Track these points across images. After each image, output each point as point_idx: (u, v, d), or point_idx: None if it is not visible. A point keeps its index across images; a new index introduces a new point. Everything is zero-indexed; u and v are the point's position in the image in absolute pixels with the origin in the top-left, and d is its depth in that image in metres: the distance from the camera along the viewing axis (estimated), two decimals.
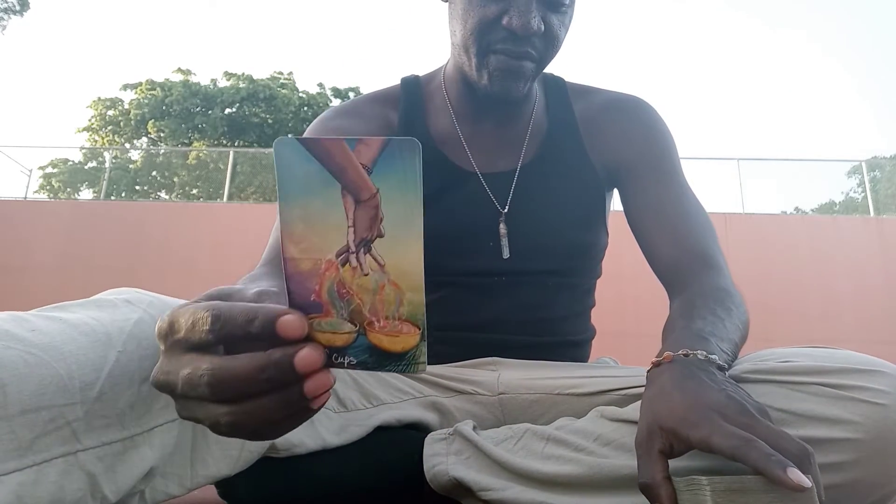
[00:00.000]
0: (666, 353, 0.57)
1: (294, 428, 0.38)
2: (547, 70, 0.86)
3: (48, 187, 16.72)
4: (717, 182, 10.10)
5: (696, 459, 0.55)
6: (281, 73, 19.11)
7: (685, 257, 0.79)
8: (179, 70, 18.87)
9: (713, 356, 0.55)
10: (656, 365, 0.57)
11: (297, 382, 0.34)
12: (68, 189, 16.41)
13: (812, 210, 12.84)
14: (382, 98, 0.93)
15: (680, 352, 0.56)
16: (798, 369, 0.56)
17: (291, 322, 0.33)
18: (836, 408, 0.53)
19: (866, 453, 0.51)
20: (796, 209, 12.27)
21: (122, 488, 0.47)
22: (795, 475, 0.41)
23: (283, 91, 18.24)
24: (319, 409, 0.37)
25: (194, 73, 19.00)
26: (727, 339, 0.61)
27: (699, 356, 0.55)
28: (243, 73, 18.69)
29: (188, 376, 0.35)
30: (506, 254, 0.84)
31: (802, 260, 8.13)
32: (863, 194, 10.95)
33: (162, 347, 0.38)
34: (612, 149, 0.89)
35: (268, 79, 18.64)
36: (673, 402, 0.50)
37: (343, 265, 0.34)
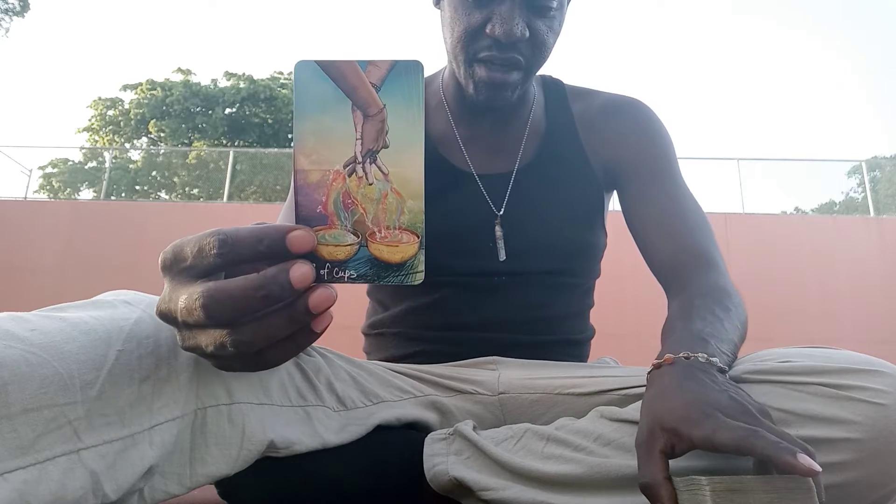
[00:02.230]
0: (667, 356, 0.57)
1: (297, 353, 0.39)
2: (546, 72, 0.86)
3: (48, 187, 16.72)
4: (717, 182, 10.10)
5: (695, 459, 0.55)
6: (281, 73, 19.11)
7: (683, 256, 0.79)
8: (179, 70, 18.88)
9: (714, 358, 0.56)
10: (657, 367, 0.57)
11: (297, 298, 0.35)
12: (68, 189, 16.42)
13: (812, 210, 12.85)
14: None
15: (681, 354, 0.56)
16: (798, 369, 0.56)
17: (301, 236, 0.35)
18: (835, 408, 0.53)
19: (866, 453, 0.51)
20: (796, 209, 12.28)
21: (123, 486, 0.47)
22: (806, 460, 0.41)
23: (284, 91, 18.24)
24: (322, 332, 0.38)
25: (194, 73, 19.02)
26: (727, 340, 0.62)
27: (700, 358, 0.55)
28: (243, 73, 18.70)
29: (185, 301, 0.36)
30: (502, 256, 0.84)
31: (802, 260, 8.13)
32: (863, 194, 10.96)
33: (166, 279, 0.38)
34: (611, 150, 0.89)
35: (268, 79, 18.64)
36: (674, 402, 0.50)
37: (350, 175, 0.37)
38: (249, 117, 17.89)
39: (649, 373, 0.58)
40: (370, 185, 0.37)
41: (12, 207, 9.26)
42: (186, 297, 0.36)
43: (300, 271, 0.35)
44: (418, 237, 0.38)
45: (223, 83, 18.77)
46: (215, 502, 0.67)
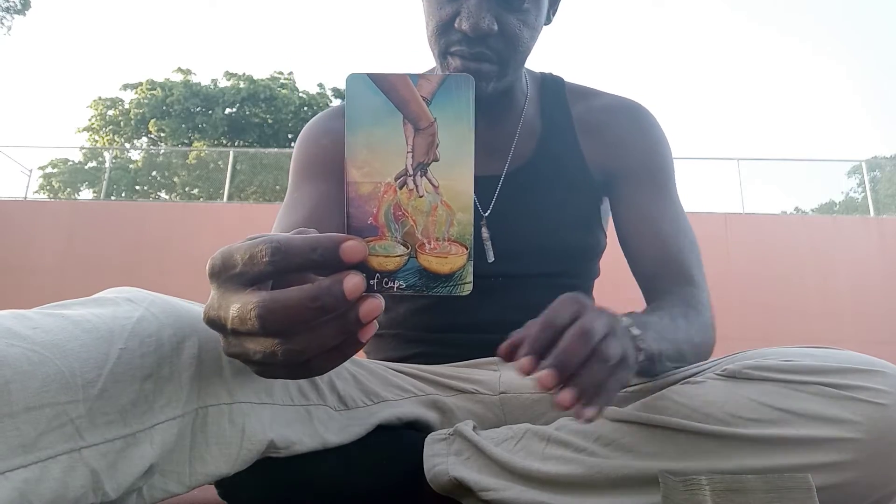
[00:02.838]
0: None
1: (342, 362, 0.40)
2: (548, 70, 0.86)
3: (48, 187, 16.72)
4: (717, 182, 10.11)
5: (694, 459, 0.55)
6: (281, 73, 19.11)
7: (666, 272, 0.81)
8: (180, 70, 18.87)
9: (635, 329, 0.56)
10: None
11: (349, 309, 0.36)
12: (68, 189, 16.42)
13: (812, 210, 12.85)
14: None
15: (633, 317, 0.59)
16: (799, 368, 0.56)
17: (354, 246, 0.35)
18: (836, 407, 0.53)
19: (866, 453, 0.51)
20: (796, 209, 12.28)
21: (123, 485, 0.47)
22: (520, 364, 0.47)
23: (284, 91, 18.24)
24: (367, 341, 0.39)
25: (195, 73, 19.00)
26: (666, 338, 0.63)
27: (634, 330, 0.57)
28: (243, 74, 18.69)
29: (238, 311, 0.36)
30: (490, 257, 0.84)
31: (802, 260, 8.13)
32: (863, 194, 10.96)
33: (213, 285, 0.38)
34: (610, 153, 0.89)
35: (268, 79, 18.63)
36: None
37: (401, 188, 0.38)
38: (249, 117, 17.89)
39: None
40: (420, 197, 0.38)
41: (12, 207, 9.26)
42: (240, 307, 0.36)
43: (353, 282, 0.35)
44: (467, 249, 0.38)
45: (223, 83, 18.77)
46: (215, 502, 0.67)
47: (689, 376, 0.65)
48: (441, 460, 0.64)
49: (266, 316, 0.35)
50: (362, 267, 0.36)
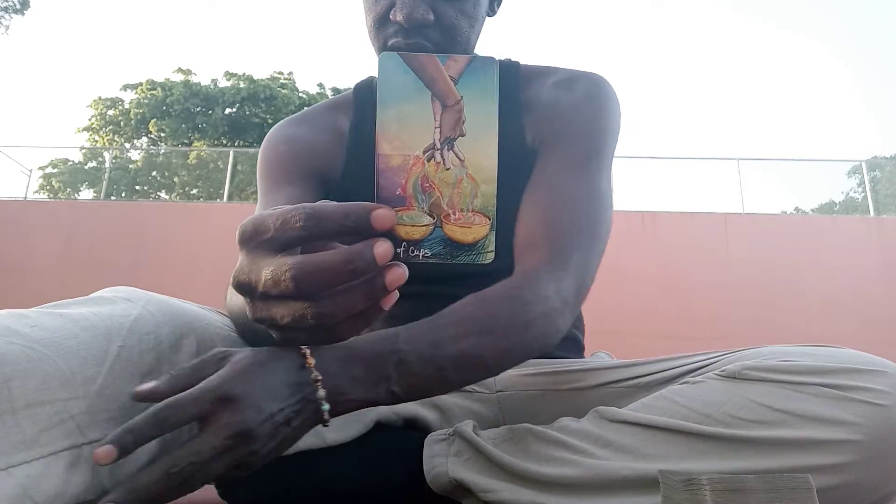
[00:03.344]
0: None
1: (365, 328, 0.41)
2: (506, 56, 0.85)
3: (48, 187, 16.73)
4: (717, 182, 10.11)
5: (694, 461, 0.55)
6: (281, 73, 19.11)
7: (539, 240, 0.68)
8: (180, 70, 18.88)
9: (315, 372, 0.45)
10: None
11: (376, 274, 0.37)
12: (68, 189, 16.43)
13: (812, 210, 12.85)
14: (335, 105, 0.93)
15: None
16: (799, 369, 0.56)
17: (384, 214, 0.36)
18: (836, 409, 0.53)
19: (866, 455, 0.51)
20: (796, 209, 12.28)
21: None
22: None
23: (284, 91, 18.25)
24: (387, 310, 0.40)
25: (195, 73, 19.01)
26: (421, 354, 0.50)
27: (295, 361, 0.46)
28: (243, 74, 18.69)
29: (272, 273, 0.37)
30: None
31: (802, 260, 8.13)
32: (863, 194, 10.97)
33: (243, 250, 0.39)
34: (544, 121, 0.81)
35: (268, 79, 18.64)
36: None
37: (428, 161, 0.39)
38: (249, 117, 17.89)
39: None
40: (447, 170, 0.40)
41: (12, 207, 9.27)
42: (274, 269, 0.37)
43: (383, 248, 0.36)
44: (489, 219, 0.40)
45: (223, 83, 18.77)
46: (215, 502, 0.67)
47: (687, 373, 0.65)
48: (441, 461, 0.64)
49: (301, 277, 0.36)
50: (390, 235, 0.38)
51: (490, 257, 0.41)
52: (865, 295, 7.92)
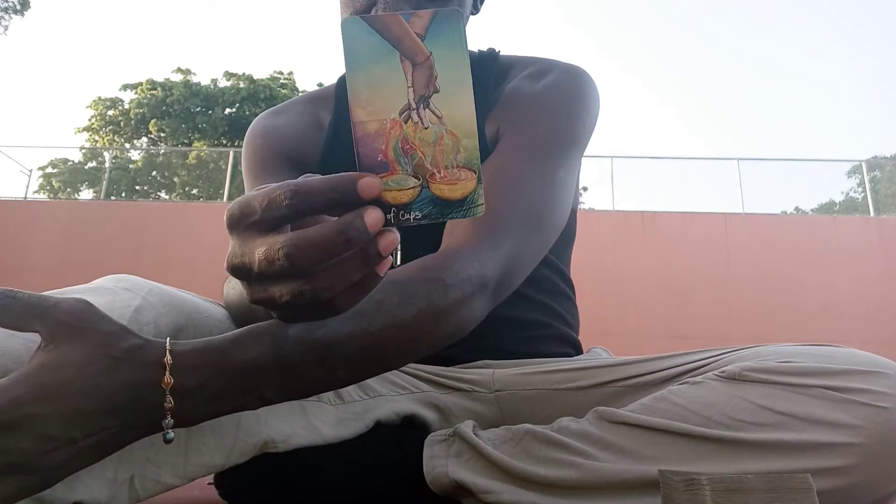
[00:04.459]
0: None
1: (363, 297, 0.40)
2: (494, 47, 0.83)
3: (48, 187, 16.72)
4: (717, 182, 10.09)
5: (694, 463, 0.55)
6: (281, 73, 19.11)
7: (471, 221, 0.61)
8: (179, 70, 18.87)
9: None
10: None
11: (369, 243, 0.37)
12: (68, 189, 16.42)
13: (812, 210, 12.84)
14: (315, 98, 0.93)
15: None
16: (799, 370, 0.56)
17: (370, 182, 0.36)
18: (837, 411, 0.52)
19: (867, 457, 0.51)
20: (796, 209, 12.28)
21: (108, 472, 0.47)
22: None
23: (284, 91, 18.24)
24: (383, 276, 0.40)
25: (194, 73, 19.01)
26: (311, 356, 0.45)
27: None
28: (243, 73, 18.69)
29: (265, 253, 0.36)
30: (397, 261, 0.78)
31: (802, 260, 8.13)
32: (863, 194, 10.96)
33: (233, 234, 0.39)
34: (507, 109, 0.76)
35: (268, 79, 18.64)
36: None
37: (406, 122, 0.39)
38: (249, 117, 17.87)
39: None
40: (426, 129, 0.39)
41: (12, 207, 9.26)
42: (266, 249, 0.36)
43: (373, 216, 0.36)
44: (475, 173, 0.40)
45: (223, 83, 18.77)
46: (215, 502, 0.67)
47: (687, 373, 0.65)
48: (441, 462, 0.64)
49: (294, 254, 0.36)
50: (378, 202, 0.37)
51: (481, 210, 0.40)
52: (865, 295, 7.92)
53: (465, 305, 0.53)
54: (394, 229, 0.39)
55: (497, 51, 0.88)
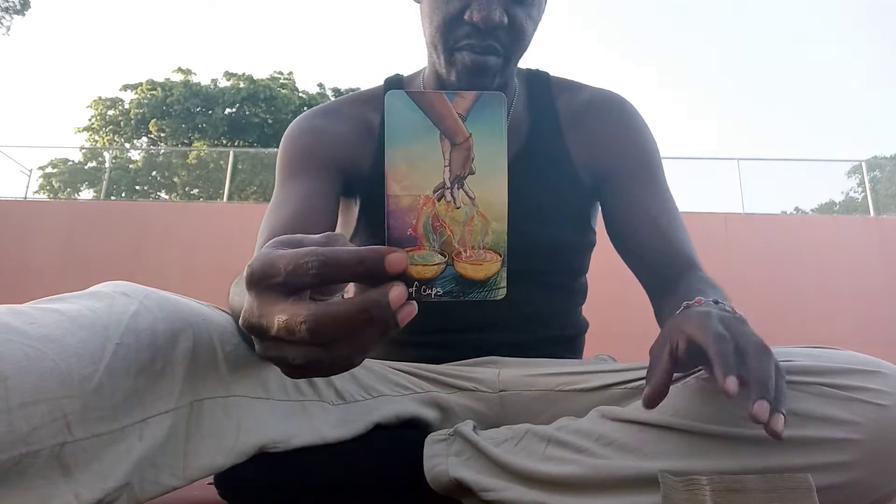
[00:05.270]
0: (697, 298, 0.62)
1: (374, 349, 0.41)
2: (534, 66, 0.85)
3: (48, 187, 16.72)
4: (717, 182, 10.09)
5: (695, 459, 0.55)
6: (281, 73, 19.11)
7: (677, 261, 0.81)
8: (180, 70, 18.87)
9: (739, 314, 0.59)
10: (687, 307, 0.62)
11: (391, 316, 0.37)
12: (68, 189, 16.42)
13: (812, 210, 12.84)
14: (364, 98, 0.93)
15: (710, 299, 0.61)
16: (799, 369, 0.56)
17: (397, 258, 0.36)
18: (836, 408, 0.53)
19: (867, 454, 0.51)
20: (796, 209, 12.28)
21: (99, 477, 0.47)
22: (730, 384, 0.46)
23: (284, 91, 18.25)
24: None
25: (195, 73, 19.01)
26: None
27: (727, 307, 0.60)
28: (243, 73, 18.69)
29: (286, 322, 0.36)
30: None
31: (802, 260, 8.13)
32: (863, 194, 10.96)
33: (252, 292, 0.38)
34: (598, 149, 0.89)
35: (268, 79, 18.63)
36: (694, 318, 0.56)
37: (439, 200, 0.39)
38: (249, 117, 17.89)
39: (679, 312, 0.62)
40: (458, 208, 0.40)
41: (12, 207, 9.26)
42: (288, 319, 0.36)
43: (397, 293, 0.36)
44: (501, 256, 0.40)
45: (223, 83, 18.77)
46: (215, 502, 0.67)
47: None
48: (441, 461, 0.64)
49: (316, 329, 0.36)
50: (402, 275, 0.37)
51: (502, 293, 0.41)
52: (865, 295, 7.92)
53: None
54: (413, 303, 0.38)
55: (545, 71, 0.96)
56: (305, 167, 0.85)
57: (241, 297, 0.59)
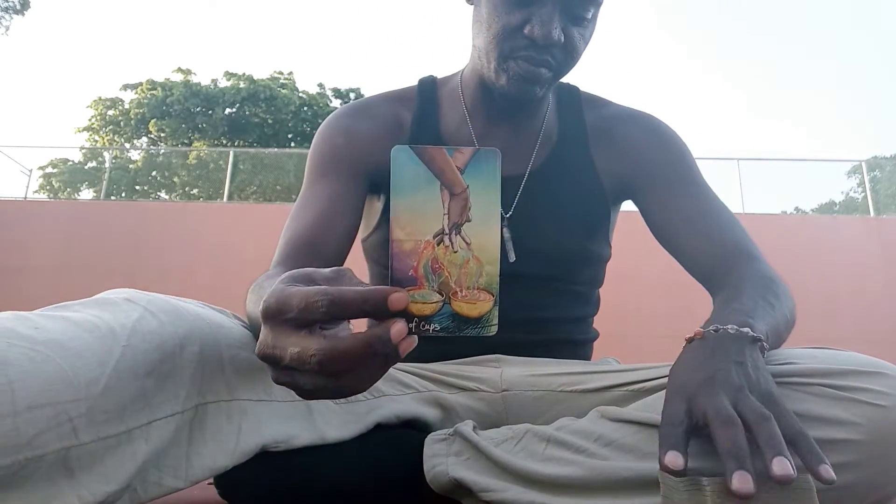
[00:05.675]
0: (697, 329, 0.59)
1: (380, 378, 0.44)
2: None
3: (48, 187, 16.71)
4: (717, 182, 10.09)
5: (695, 459, 0.55)
6: (281, 73, 19.12)
7: (721, 251, 0.82)
8: (180, 70, 18.88)
9: (745, 329, 0.57)
10: (689, 341, 0.59)
11: (393, 349, 0.41)
12: (68, 189, 16.41)
13: (812, 210, 12.84)
14: (397, 97, 0.94)
15: (710, 328, 0.58)
16: (800, 371, 0.56)
17: (399, 297, 0.40)
18: (837, 409, 0.53)
19: (867, 455, 0.51)
20: (796, 209, 12.28)
21: (104, 480, 0.47)
22: (742, 484, 0.43)
23: (284, 91, 18.25)
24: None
25: (195, 73, 19.01)
26: (769, 324, 0.62)
27: (730, 330, 0.57)
28: (244, 74, 18.69)
29: (298, 354, 0.40)
30: (512, 257, 0.85)
31: (802, 260, 8.12)
32: (863, 194, 10.96)
33: (266, 325, 0.42)
34: (624, 162, 0.91)
35: (268, 79, 18.64)
36: (696, 374, 0.53)
37: (438, 244, 0.43)
38: (249, 117, 17.89)
39: (685, 346, 0.60)
40: (455, 252, 0.44)
41: (12, 207, 9.26)
42: (300, 351, 0.40)
43: (398, 329, 0.40)
44: (493, 296, 0.44)
45: (223, 83, 18.77)
46: (215, 502, 0.67)
47: None
48: (441, 461, 0.64)
49: (325, 362, 0.39)
50: (403, 312, 0.41)
51: (494, 330, 0.44)
52: (865, 295, 7.92)
53: (786, 288, 0.75)
54: (414, 336, 0.42)
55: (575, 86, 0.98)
56: (334, 169, 0.86)
57: (256, 306, 0.60)
